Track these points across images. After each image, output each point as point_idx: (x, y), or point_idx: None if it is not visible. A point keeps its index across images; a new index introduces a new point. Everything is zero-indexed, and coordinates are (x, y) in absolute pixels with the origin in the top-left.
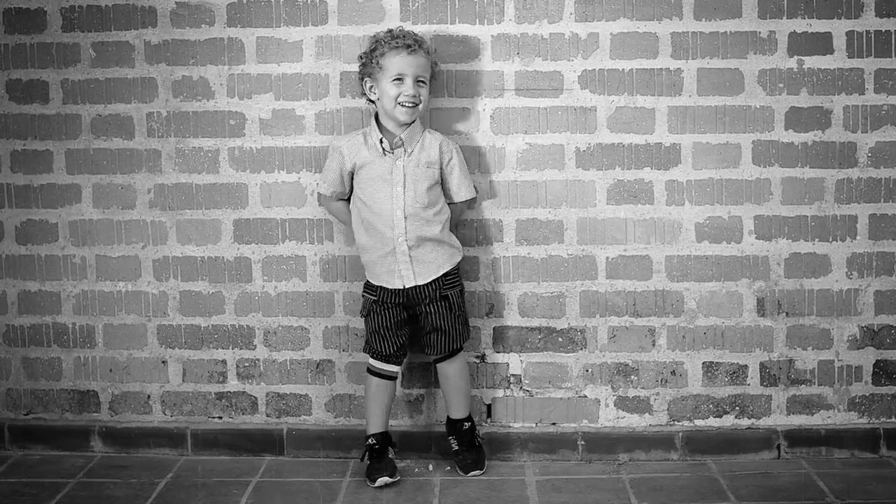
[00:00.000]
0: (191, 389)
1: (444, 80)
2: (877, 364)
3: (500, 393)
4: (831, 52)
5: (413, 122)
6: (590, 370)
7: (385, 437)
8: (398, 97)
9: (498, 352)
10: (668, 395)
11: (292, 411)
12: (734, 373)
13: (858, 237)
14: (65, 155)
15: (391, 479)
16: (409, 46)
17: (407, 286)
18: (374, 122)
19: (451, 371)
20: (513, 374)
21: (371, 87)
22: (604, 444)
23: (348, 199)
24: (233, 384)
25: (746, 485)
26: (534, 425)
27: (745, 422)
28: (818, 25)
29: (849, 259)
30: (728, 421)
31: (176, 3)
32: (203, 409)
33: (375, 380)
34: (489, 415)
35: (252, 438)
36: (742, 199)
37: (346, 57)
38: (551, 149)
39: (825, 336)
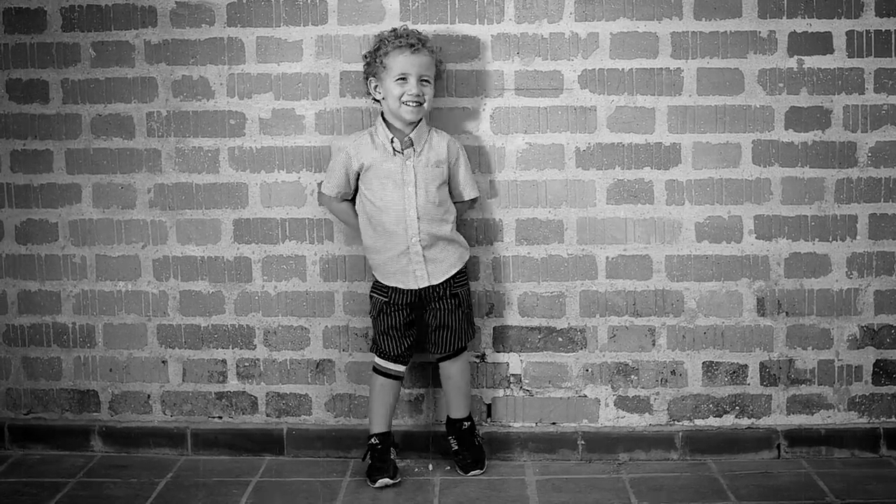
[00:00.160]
0: (191, 389)
1: (445, 80)
2: (877, 364)
3: (500, 393)
4: (831, 51)
5: (419, 120)
6: (590, 370)
7: (388, 438)
8: (402, 96)
9: (498, 351)
10: (668, 395)
11: (292, 411)
12: (734, 372)
13: (858, 237)
14: (65, 155)
15: (392, 481)
16: (412, 45)
17: (421, 286)
18: (380, 121)
19: (454, 370)
20: (513, 374)
21: (376, 86)
22: (604, 443)
23: (351, 200)
24: (233, 384)
25: (746, 484)
26: (534, 425)
27: (745, 421)
28: (818, 25)
29: (849, 259)
30: (728, 421)
31: (176, 2)
32: (203, 409)
33: (381, 379)
34: (489, 414)
35: (252, 438)
36: (742, 199)
37: (346, 57)
38: (551, 148)
39: (825, 336)
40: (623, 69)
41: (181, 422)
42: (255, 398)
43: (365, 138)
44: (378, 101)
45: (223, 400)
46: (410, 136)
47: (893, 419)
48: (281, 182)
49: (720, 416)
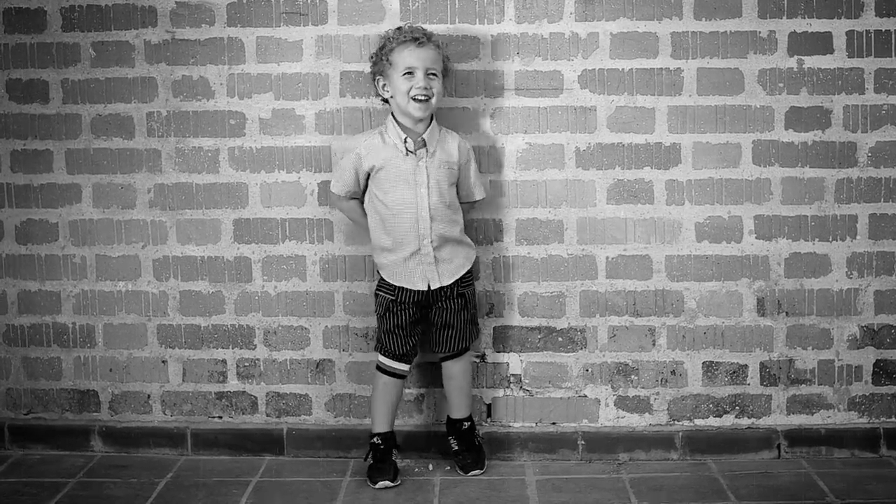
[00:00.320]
0: (191, 389)
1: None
2: (877, 364)
3: (500, 393)
4: (831, 51)
5: (427, 117)
6: (590, 370)
7: (390, 438)
8: (410, 91)
9: (498, 351)
10: (668, 395)
11: (292, 411)
12: (734, 372)
13: (858, 237)
14: (65, 155)
15: (392, 484)
16: (416, 39)
17: (433, 287)
18: (391, 121)
19: (456, 370)
20: (513, 374)
21: (384, 85)
22: (604, 443)
23: (360, 198)
24: (233, 384)
25: (746, 484)
26: (534, 425)
27: (745, 421)
28: (818, 25)
29: (849, 259)
30: (728, 421)
31: (176, 2)
32: (203, 409)
33: (385, 378)
34: (489, 414)
35: (252, 438)
36: (742, 199)
37: (346, 57)
38: (551, 148)
39: (825, 336)
40: (623, 69)
41: (181, 422)
42: (255, 398)
43: (375, 138)
44: (387, 100)
45: (223, 400)
46: (423, 136)
47: (893, 419)
48: (281, 182)
49: (720, 416)
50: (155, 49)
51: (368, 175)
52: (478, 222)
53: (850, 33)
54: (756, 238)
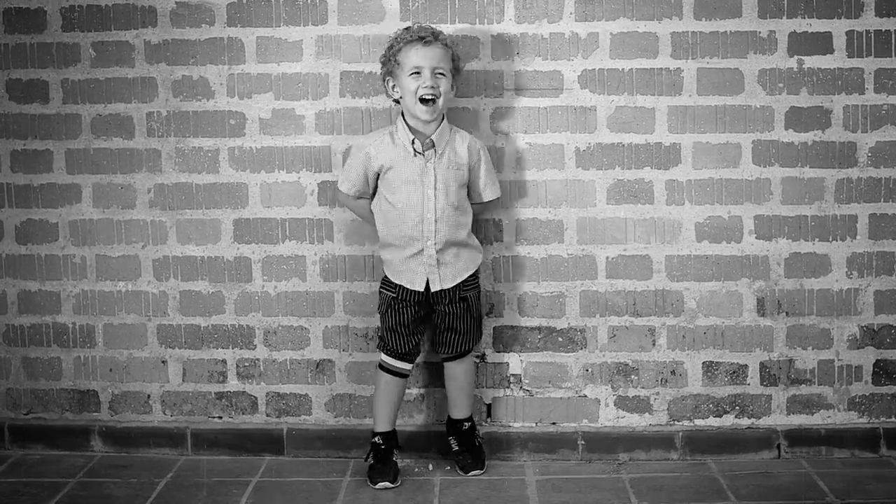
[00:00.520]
0: (191, 389)
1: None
2: (877, 364)
3: (500, 393)
4: (831, 51)
5: (436, 119)
6: (590, 370)
7: (392, 437)
8: (417, 90)
9: (498, 351)
10: (668, 395)
11: (292, 411)
12: (734, 372)
13: (858, 237)
14: (65, 155)
15: (392, 485)
16: (422, 38)
17: (433, 290)
18: (401, 121)
19: (459, 371)
20: (513, 374)
21: (393, 86)
22: (604, 443)
23: (370, 197)
24: (233, 384)
25: (746, 484)
26: (534, 425)
27: (745, 421)
28: (818, 25)
29: (849, 259)
30: (728, 421)
31: (176, 2)
32: (203, 409)
33: (387, 377)
34: (489, 414)
35: (252, 438)
36: (742, 199)
37: (346, 57)
38: (551, 148)
39: (825, 336)
40: (623, 69)
41: (181, 422)
42: (255, 398)
43: (385, 138)
44: (398, 101)
45: (223, 400)
46: (432, 137)
47: (893, 419)
48: (281, 182)
49: (720, 416)
50: (155, 49)
51: (378, 175)
52: (478, 222)
53: (850, 33)
54: (756, 238)
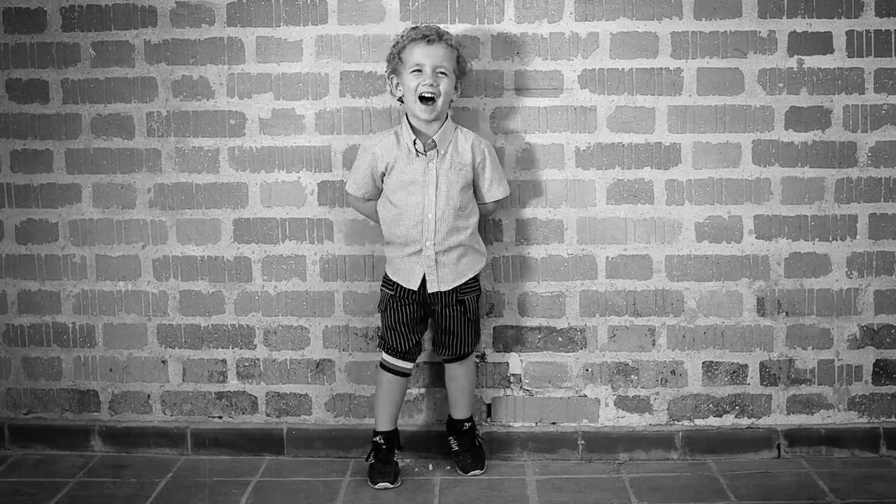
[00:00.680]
0: (191, 389)
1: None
2: (877, 363)
3: (500, 392)
4: (831, 51)
5: (436, 119)
6: (590, 370)
7: (393, 437)
8: (416, 88)
9: (498, 351)
10: (668, 395)
11: (292, 411)
12: (734, 372)
13: (858, 237)
14: (65, 155)
15: (392, 486)
16: (426, 37)
17: (430, 291)
18: (405, 121)
19: (460, 372)
20: (513, 374)
21: (397, 84)
22: (604, 443)
23: (377, 198)
24: (233, 384)
25: (746, 484)
26: (534, 425)
27: (745, 421)
28: (818, 25)
29: (849, 259)
30: (728, 420)
31: (176, 2)
32: (203, 409)
33: (388, 376)
34: (489, 414)
35: (252, 438)
36: (742, 199)
37: (346, 56)
38: (551, 148)
39: (825, 336)
40: (623, 69)
41: (181, 422)
42: (255, 398)
43: (391, 138)
44: (401, 100)
45: (223, 400)
46: (434, 137)
47: (893, 419)
48: (281, 182)
49: (720, 415)
50: (155, 49)
51: (383, 174)
52: (479, 222)
53: (850, 33)
54: (756, 238)
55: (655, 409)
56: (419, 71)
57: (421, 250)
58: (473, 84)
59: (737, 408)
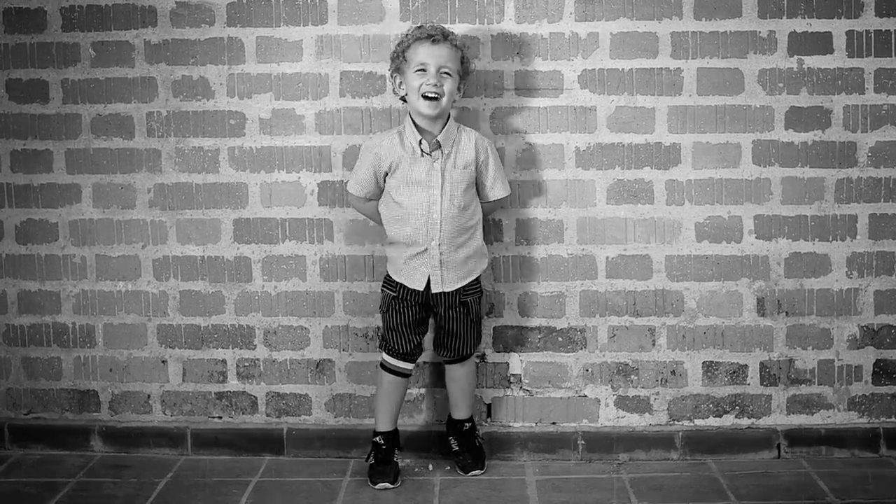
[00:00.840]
0: (191, 389)
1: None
2: (877, 364)
3: (500, 393)
4: (831, 51)
5: (440, 116)
6: (590, 370)
7: (393, 437)
8: (420, 87)
9: (498, 351)
10: (668, 395)
11: (292, 411)
12: (734, 372)
13: (858, 237)
14: (65, 155)
15: (392, 486)
16: (431, 36)
17: (434, 291)
18: (409, 121)
19: (461, 374)
20: (513, 374)
21: (400, 83)
22: (604, 443)
23: (379, 199)
24: (233, 384)
25: (746, 484)
26: (534, 425)
27: (745, 421)
28: (818, 25)
29: (849, 259)
30: (728, 421)
31: (176, 2)
32: (203, 409)
33: (389, 376)
34: (489, 414)
35: (252, 438)
36: (742, 199)
37: (346, 57)
38: (551, 148)
39: (825, 336)
40: (623, 69)
41: (181, 422)
42: (255, 398)
43: (394, 138)
44: (405, 99)
45: (223, 400)
46: (438, 137)
47: (893, 419)
48: (281, 182)
49: (720, 416)
50: (155, 49)
51: (386, 174)
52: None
53: (850, 33)
54: (756, 238)
55: (655, 410)
56: (423, 70)
57: (426, 249)
58: (473, 84)
59: (737, 408)
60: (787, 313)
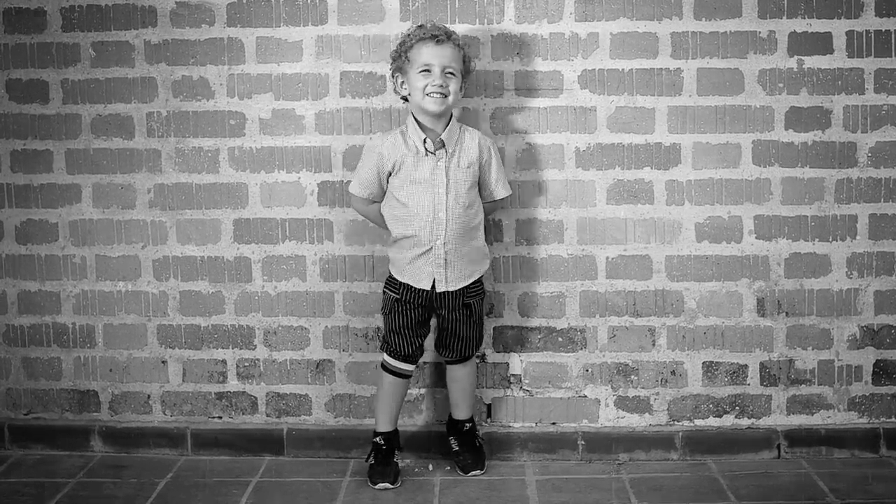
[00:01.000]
0: (191, 389)
1: None
2: (877, 364)
3: (500, 393)
4: (831, 51)
5: (443, 113)
6: (590, 370)
7: (393, 438)
8: (425, 88)
9: (498, 352)
10: (668, 395)
11: (292, 411)
12: (734, 373)
13: (858, 237)
14: (65, 155)
15: (392, 486)
16: (435, 37)
17: (438, 290)
18: (411, 120)
19: (461, 374)
20: (513, 374)
21: (402, 82)
22: (604, 443)
23: (381, 200)
24: (233, 384)
25: (746, 485)
26: (534, 425)
27: (745, 422)
28: (818, 25)
29: (849, 259)
30: (728, 421)
31: (176, 2)
32: (203, 409)
33: (390, 377)
34: (489, 415)
35: (252, 438)
36: (742, 199)
37: (346, 57)
38: (551, 149)
39: (825, 336)
40: (623, 69)
41: (181, 422)
42: (255, 398)
43: (397, 138)
44: (406, 99)
45: (223, 400)
46: (442, 136)
47: (893, 419)
48: (281, 182)
49: (720, 416)
50: (155, 49)
51: (389, 174)
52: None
53: (850, 33)
54: (756, 238)
55: (655, 410)
56: (428, 71)
57: (431, 249)
58: (474, 84)
59: (737, 408)
60: (787, 313)
